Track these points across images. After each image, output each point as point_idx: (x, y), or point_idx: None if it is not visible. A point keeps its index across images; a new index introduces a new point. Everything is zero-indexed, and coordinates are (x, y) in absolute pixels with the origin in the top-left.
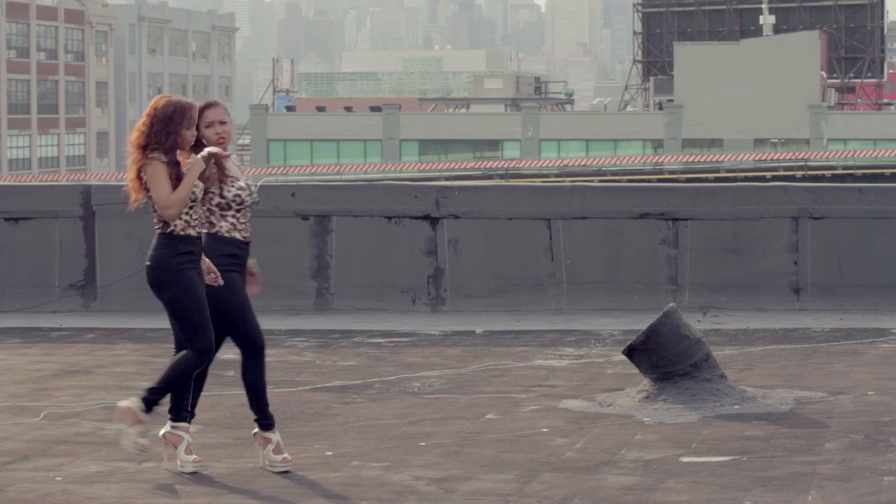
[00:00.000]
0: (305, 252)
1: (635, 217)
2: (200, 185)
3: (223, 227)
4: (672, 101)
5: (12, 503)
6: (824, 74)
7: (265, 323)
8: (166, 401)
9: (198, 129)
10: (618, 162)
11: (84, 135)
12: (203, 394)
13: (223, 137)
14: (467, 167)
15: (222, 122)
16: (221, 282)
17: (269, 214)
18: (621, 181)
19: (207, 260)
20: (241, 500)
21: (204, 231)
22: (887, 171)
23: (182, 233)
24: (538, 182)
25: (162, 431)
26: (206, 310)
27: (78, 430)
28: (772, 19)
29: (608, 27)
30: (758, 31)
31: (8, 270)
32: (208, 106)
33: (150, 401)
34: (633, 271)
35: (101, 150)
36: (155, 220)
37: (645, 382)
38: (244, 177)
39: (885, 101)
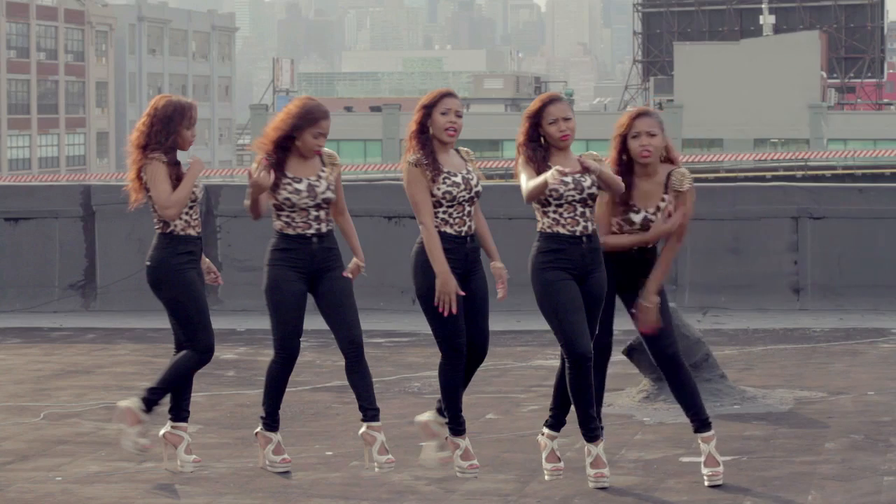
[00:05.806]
0: None
1: None
2: (200, 185)
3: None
4: (672, 101)
5: (12, 503)
6: (824, 74)
7: (262, 323)
8: (166, 401)
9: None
10: None
11: (84, 135)
12: (203, 394)
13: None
14: None
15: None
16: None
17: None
18: None
19: (207, 260)
20: (241, 500)
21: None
22: (887, 171)
23: (182, 233)
24: None
25: (162, 431)
26: (206, 309)
27: (78, 430)
28: (772, 19)
29: (608, 27)
30: (758, 31)
31: (8, 270)
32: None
33: (150, 401)
34: None
35: (101, 150)
36: (155, 220)
37: (645, 382)
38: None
39: (885, 101)
